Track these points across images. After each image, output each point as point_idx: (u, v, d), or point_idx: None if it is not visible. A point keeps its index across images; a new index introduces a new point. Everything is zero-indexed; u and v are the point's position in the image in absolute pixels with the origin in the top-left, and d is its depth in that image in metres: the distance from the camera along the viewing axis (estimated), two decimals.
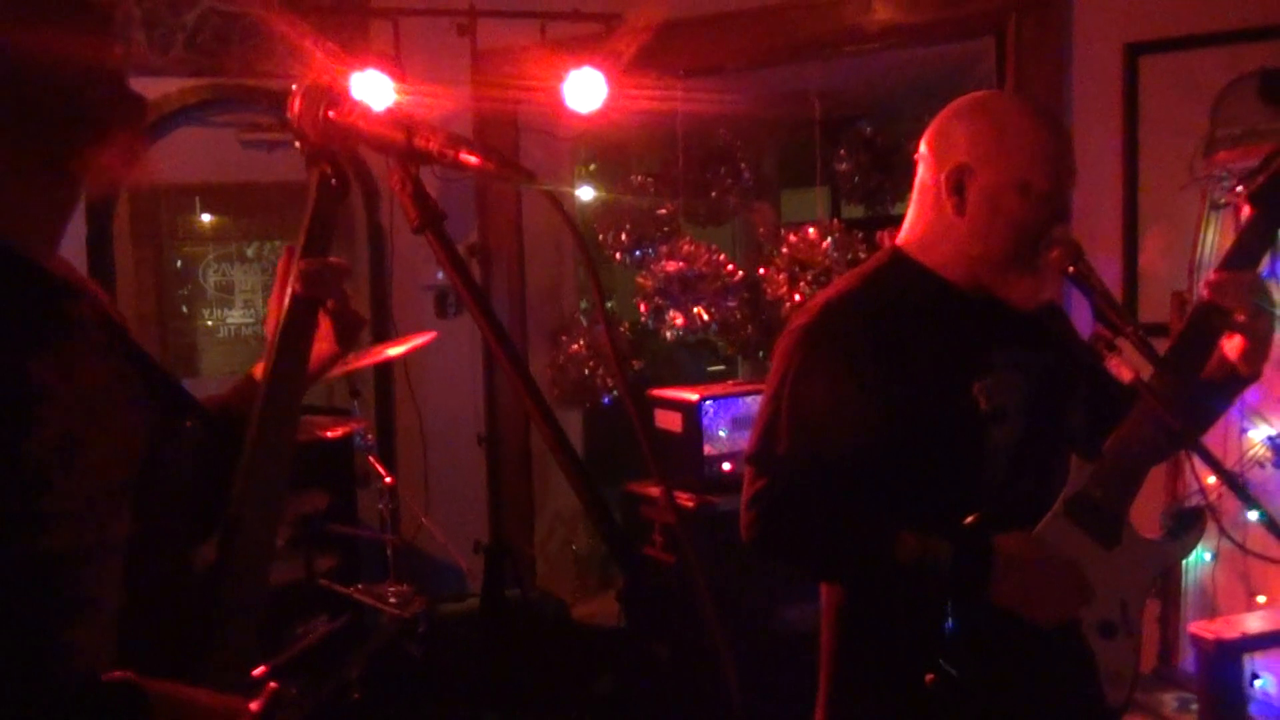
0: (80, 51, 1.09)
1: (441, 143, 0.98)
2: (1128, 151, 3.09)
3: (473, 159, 0.97)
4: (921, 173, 1.74)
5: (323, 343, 1.30)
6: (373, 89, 3.46)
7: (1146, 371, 1.61)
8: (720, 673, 0.98)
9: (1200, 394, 1.63)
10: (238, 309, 4.53)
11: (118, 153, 1.13)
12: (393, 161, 1.01)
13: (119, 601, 1.06)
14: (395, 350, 3.31)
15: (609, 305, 5.62)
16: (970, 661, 1.53)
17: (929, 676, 1.53)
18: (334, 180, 1.19)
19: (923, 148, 1.74)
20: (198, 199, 4.35)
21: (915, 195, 1.76)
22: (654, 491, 3.42)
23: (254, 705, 1.08)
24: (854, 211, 4.61)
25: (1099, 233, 3.07)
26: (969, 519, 1.58)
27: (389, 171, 1.03)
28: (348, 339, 1.31)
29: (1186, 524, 1.74)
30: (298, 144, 1.16)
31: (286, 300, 1.22)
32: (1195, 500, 2.82)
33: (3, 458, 0.95)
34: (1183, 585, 2.98)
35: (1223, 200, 2.88)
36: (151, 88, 3.86)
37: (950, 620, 1.55)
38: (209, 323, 4.52)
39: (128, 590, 1.07)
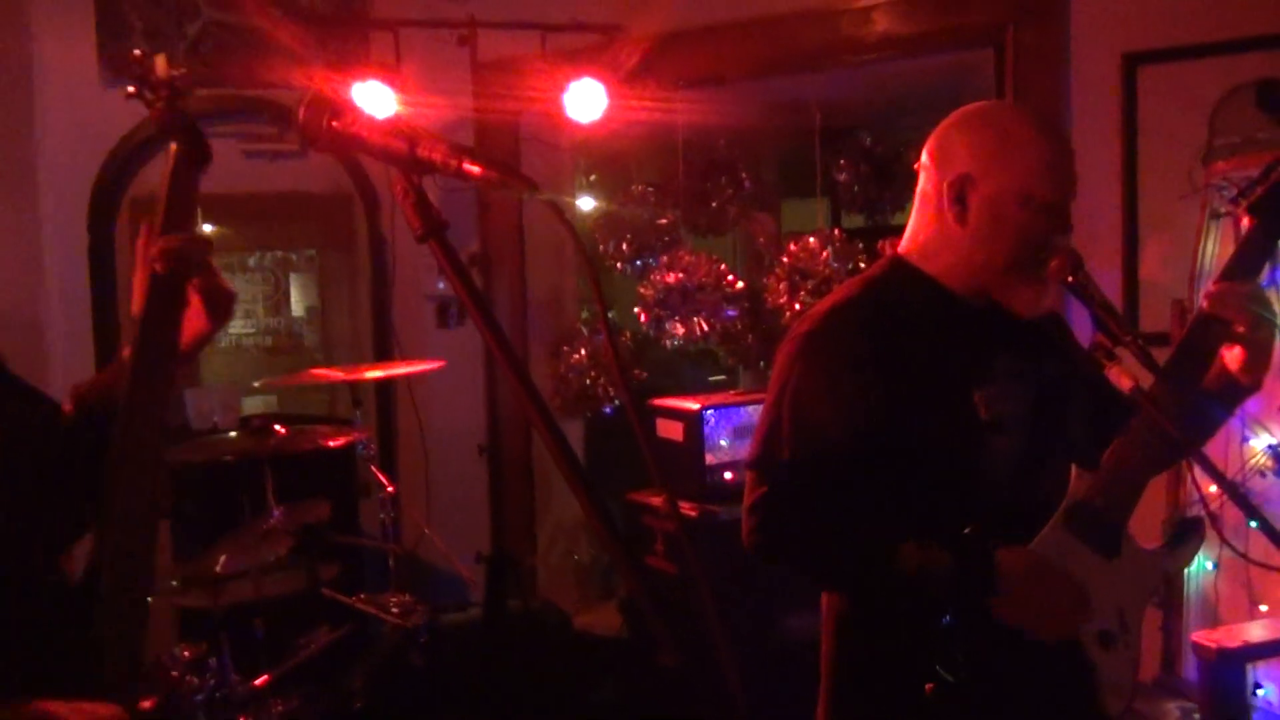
0: None
1: (444, 153, 0.98)
2: (1127, 161, 3.10)
3: (475, 169, 0.97)
4: (923, 182, 1.74)
5: (194, 320, 1.27)
6: (374, 100, 3.47)
7: (1146, 381, 1.61)
8: (724, 681, 0.98)
9: (1200, 404, 1.63)
10: (239, 319, 4.53)
11: None
12: (396, 171, 1.02)
13: None
14: (400, 370, 3.31)
15: (610, 315, 5.63)
16: (969, 671, 1.53)
17: (928, 686, 1.53)
18: (192, 150, 1.16)
19: (924, 157, 1.74)
20: (199, 209, 4.36)
21: (916, 204, 1.76)
22: (656, 500, 3.41)
23: (148, 703, 1.07)
24: (854, 221, 4.62)
25: (1099, 242, 3.07)
26: (969, 528, 1.58)
27: (392, 181, 1.03)
28: (219, 314, 1.29)
29: (1185, 534, 1.74)
30: (148, 111, 1.13)
31: (149, 281, 1.19)
32: (1196, 510, 2.82)
33: None
34: (1185, 594, 2.97)
35: (1222, 209, 2.89)
36: None
37: (948, 616, 1.55)
38: None
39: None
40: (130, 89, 1.16)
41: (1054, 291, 1.69)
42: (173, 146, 1.20)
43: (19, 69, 3.73)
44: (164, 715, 1.11)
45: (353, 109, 1.05)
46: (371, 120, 1.04)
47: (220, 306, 1.28)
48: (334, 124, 1.04)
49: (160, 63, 1.27)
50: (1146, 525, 1.75)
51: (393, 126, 1.03)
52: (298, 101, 1.05)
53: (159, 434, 1.18)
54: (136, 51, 1.21)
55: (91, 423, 1.24)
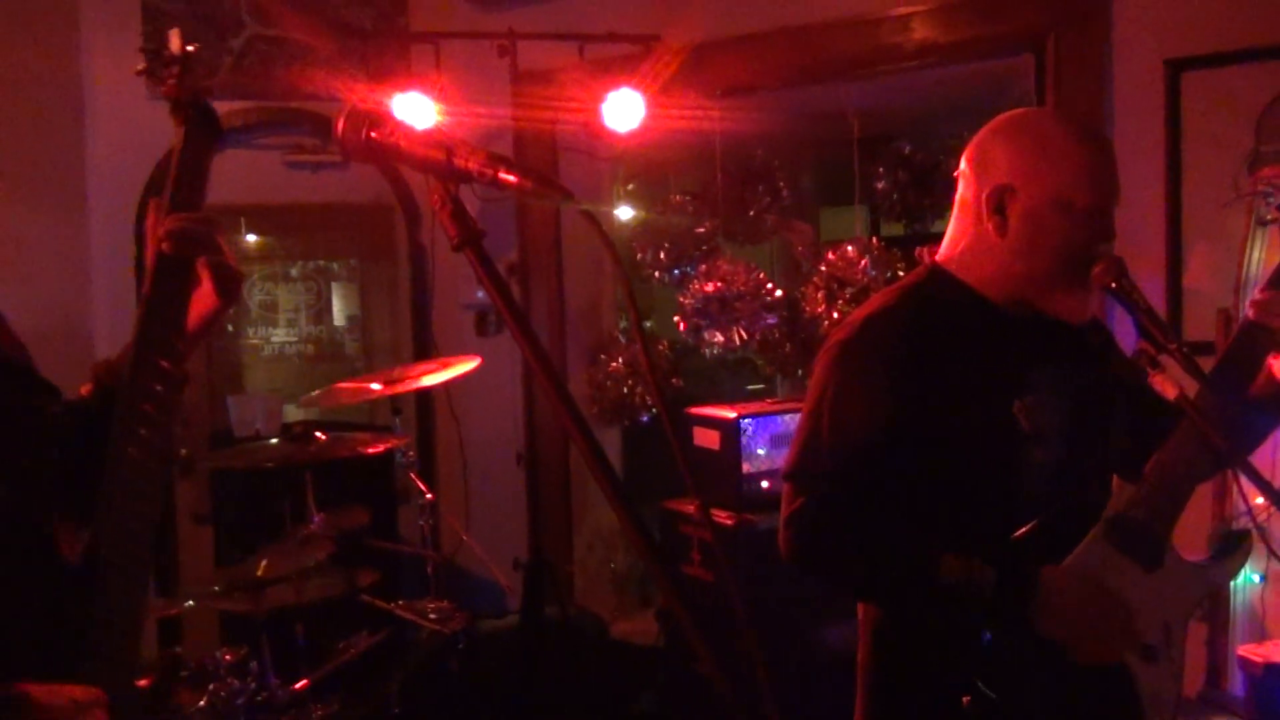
0: None
1: (481, 162, 1.00)
2: (1170, 168, 3.06)
3: (511, 178, 0.99)
4: (961, 190, 1.72)
5: (204, 299, 1.27)
6: (414, 111, 3.51)
7: (1191, 389, 1.59)
8: (757, 691, 0.98)
9: (1247, 413, 1.61)
10: (281, 328, 4.59)
11: None
12: (433, 180, 1.03)
13: None
14: (437, 378, 3.33)
15: (648, 324, 5.64)
16: (1008, 684, 1.51)
17: (965, 699, 1.51)
18: (201, 127, 1.16)
19: (963, 165, 1.73)
20: (243, 219, 4.42)
21: (955, 212, 1.75)
22: (692, 509, 3.41)
23: (144, 681, 1.08)
24: (893, 230, 4.59)
25: (1143, 250, 3.03)
26: (1010, 539, 1.56)
27: (429, 190, 1.05)
28: (228, 294, 1.28)
29: (1231, 547, 1.72)
30: (160, 87, 1.12)
31: (155, 260, 1.18)
32: (1243, 522, 2.77)
33: None
34: (1231, 608, 2.92)
35: (1268, 216, 2.84)
36: None
37: (987, 634, 1.53)
38: (253, 341, 4.59)
39: None
40: (140, 65, 1.17)
41: (1097, 298, 1.67)
42: (180, 122, 1.18)
43: (70, 83, 3.82)
44: (159, 694, 1.09)
45: (391, 120, 1.06)
46: (409, 131, 1.06)
47: (228, 286, 1.28)
48: (373, 135, 1.06)
49: (174, 38, 1.27)
50: (1193, 537, 1.73)
51: (430, 137, 1.04)
52: (337, 113, 1.07)
53: (167, 413, 1.17)
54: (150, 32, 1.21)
55: (106, 402, 1.24)
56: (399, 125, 1.06)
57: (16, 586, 1.12)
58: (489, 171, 0.99)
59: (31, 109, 3.75)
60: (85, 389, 1.34)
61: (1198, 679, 2.87)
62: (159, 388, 1.18)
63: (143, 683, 1.09)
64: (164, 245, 1.19)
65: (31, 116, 3.75)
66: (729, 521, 3.21)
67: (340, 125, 1.07)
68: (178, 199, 1.21)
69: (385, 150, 1.05)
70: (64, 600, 1.12)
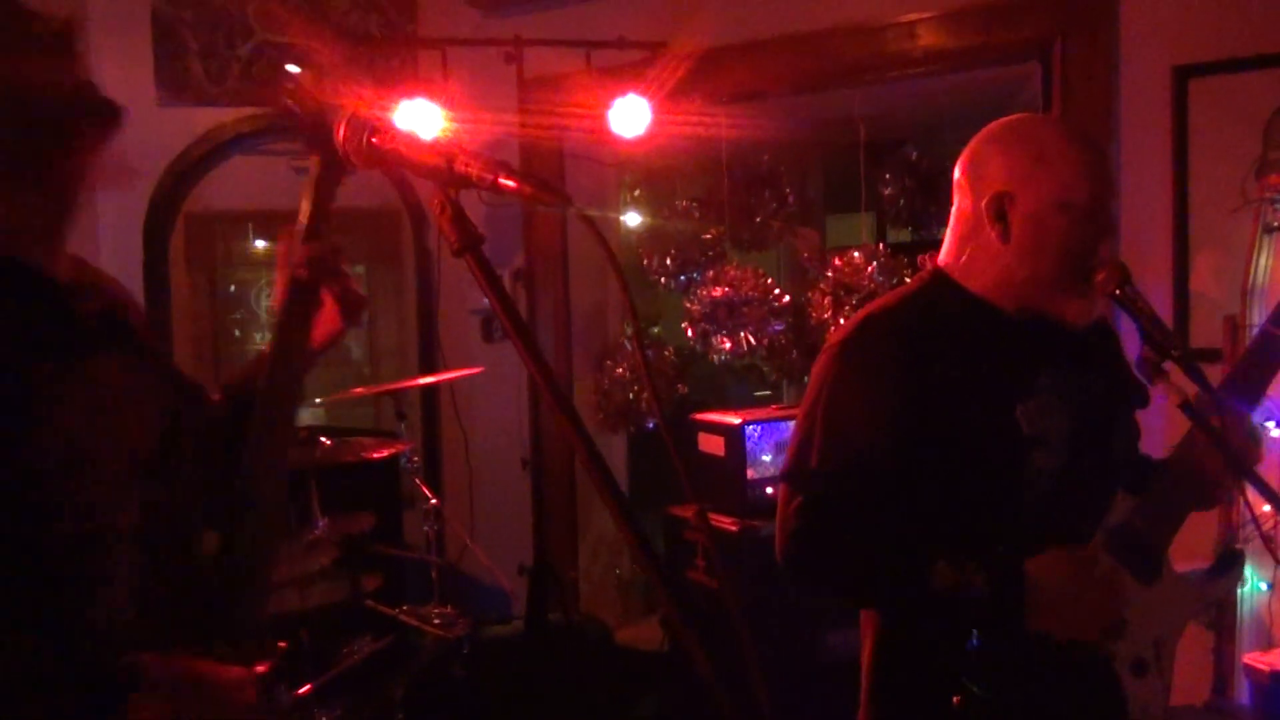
0: (30, 71, 1.14)
1: (480, 167, 1.00)
2: (1178, 175, 3.05)
3: (510, 183, 0.99)
4: (958, 199, 1.72)
5: (328, 321, 1.36)
6: (422, 117, 3.52)
7: (1195, 396, 1.58)
8: (754, 697, 0.98)
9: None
10: None
11: (90, 155, 1.18)
12: (433, 186, 1.04)
13: (134, 582, 1.12)
14: (432, 379, 3.34)
15: (655, 330, 5.64)
16: (999, 686, 1.51)
17: (956, 699, 1.51)
18: (335, 166, 1.25)
19: (957, 174, 1.73)
20: (251, 225, 4.45)
21: (953, 220, 1.74)
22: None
23: (262, 668, 1.14)
24: (901, 236, 4.59)
25: (1149, 257, 3.03)
26: (1002, 549, 1.55)
27: (429, 195, 1.05)
28: (352, 316, 1.38)
29: (1226, 564, 1.71)
30: (296, 124, 1.23)
31: (289, 284, 1.27)
32: (1249, 531, 2.76)
33: (14, 453, 1.02)
34: (1238, 616, 2.91)
35: (1276, 223, 2.83)
36: (207, 116, 3.97)
37: (975, 639, 1.53)
38: (261, 346, 4.61)
39: (143, 572, 1.13)
40: (287, 103, 1.28)
41: (1101, 304, 1.67)
42: (315, 158, 1.29)
43: None
44: (274, 680, 1.18)
45: (391, 126, 1.07)
46: (409, 137, 1.06)
47: (353, 309, 1.38)
48: (373, 141, 1.07)
49: (307, 79, 1.35)
50: (1198, 546, 1.72)
51: (430, 143, 1.05)
52: (338, 120, 1.08)
53: (292, 423, 1.28)
54: (289, 67, 1.33)
55: (236, 412, 1.33)
56: (399, 131, 1.07)
57: (164, 581, 1.18)
58: (488, 176, 1.00)
59: None
60: (216, 397, 1.43)
61: (1204, 688, 2.86)
62: (289, 399, 1.28)
63: (261, 668, 1.16)
64: (300, 270, 1.28)
65: None
66: (733, 527, 3.21)
67: (341, 132, 1.08)
68: (312, 229, 1.31)
69: (386, 156, 1.06)
70: (197, 595, 1.20)
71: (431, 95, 3.59)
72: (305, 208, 1.33)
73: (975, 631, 1.53)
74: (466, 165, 1.00)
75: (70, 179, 1.18)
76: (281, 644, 1.21)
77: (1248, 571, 2.77)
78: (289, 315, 1.29)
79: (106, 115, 1.21)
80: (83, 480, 1.08)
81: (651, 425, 4.19)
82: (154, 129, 3.80)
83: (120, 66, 3.88)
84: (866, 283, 3.74)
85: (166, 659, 1.07)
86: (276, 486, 1.24)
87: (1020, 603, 1.50)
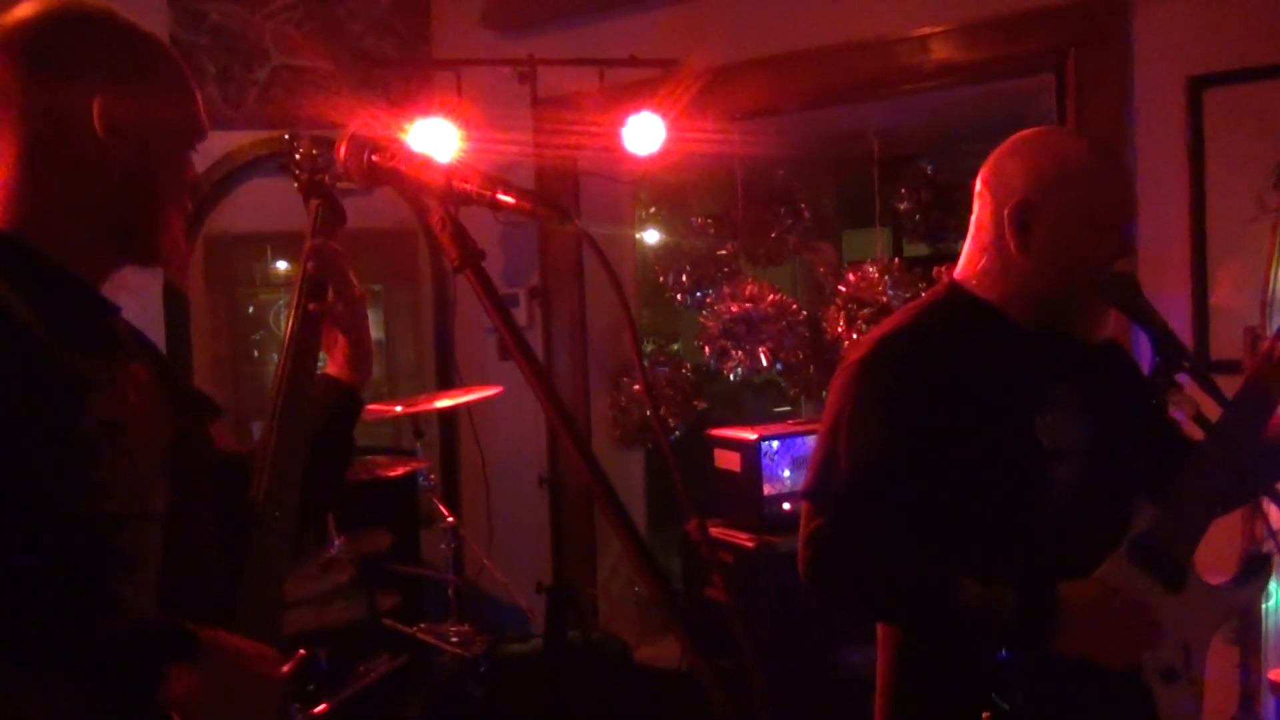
0: (157, 98, 1.21)
1: (479, 183, 1.01)
2: (1194, 186, 3.03)
3: (509, 198, 1.00)
4: (978, 210, 1.73)
5: (343, 348, 1.46)
6: (437, 138, 3.54)
7: (1209, 408, 1.57)
8: (757, 706, 0.97)
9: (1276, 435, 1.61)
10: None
11: (176, 228, 1.26)
12: (432, 202, 1.05)
13: (159, 566, 1.16)
14: (450, 401, 3.35)
15: (674, 347, 5.64)
16: (1026, 702, 1.50)
17: (985, 715, 1.49)
18: (327, 212, 1.36)
19: (979, 185, 1.73)
20: (269, 247, 4.48)
21: (972, 232, 1.75)
22: (715, 531, 3.40)
23: (285, 668, 1.18)
24: (917, 250, 4.58)
25: (1167, 268, 3.01)
26: (1029, 564, 1.54)
27: (429, 212, 1.06)
28: (360, 359, 1.47)
29: (1253, 570, 1.69)
30: (295, 184, 1.35)
31: (300, 280, 1.36)
32: (1271, 543, 2.72)
33: (62, 433, 1.08)
34: (1263, 631, 2.87)
35: None
36: (225, 140, 4.01)
37: (1004, 652, 1.52)
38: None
39: (166, 559, 1.17)
40: (282, 165, 1.41)
41: (1113, 316, 1.66)
42: (313, 204, 1.42)
43: None
44: (293, 682, 1.22)
45: (392, 144, 1.08)
46: (410, 154, 1.08)
47: (357, 332, 1.49)
48: (374, 159, 1.08)
49: (304, 143, 1.48)
50: (1221, 559, 1.70)
51: (429, 160, 1.06)
52: (339, 139, 1.09)
53: (303, 438, 1.32)
54: (285, 136, 1.47)
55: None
56: (400, 149, 1.08)
57: (190, 567, 1.23)
58: (486, 193, 1.01)
59: None
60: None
61: (1230, 704, 2.81)
62: (301, 414, 1.33)
63: (285, 668, 1.19)
64: (308, 265, 1.39)
65: None
66: (750, 544, 3.20)
67: (342, 150, 1.09)
68: (317, 229, 1.43)
69: (386, 174, 1.07)
70: (221, 580, 1.25)
71: (446, 115, 3.62)
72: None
73: (1007, 647, 1.52)
74: (465, 182, 1.01)
75: (149, 241, 1.25)
76: (301, 651, 1.23)
77: (1272, 586, 2.73)
78: (302, 315, 1.35)
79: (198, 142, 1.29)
80: (126, 463, 1.13)
81: (670, 441, 4.18)
82: None
83: None
84: (880, 297, 3.73)
85: (206, 629, 1.10)
86: (288, 504, 1.27)
87: (1051, 626, 1.49)
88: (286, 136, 1.43)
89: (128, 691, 1.01)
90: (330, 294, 1.43)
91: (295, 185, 1.38)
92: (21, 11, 1.17)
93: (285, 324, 1.37)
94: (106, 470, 1.11)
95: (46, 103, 1.15)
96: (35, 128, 1.16)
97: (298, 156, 1.44)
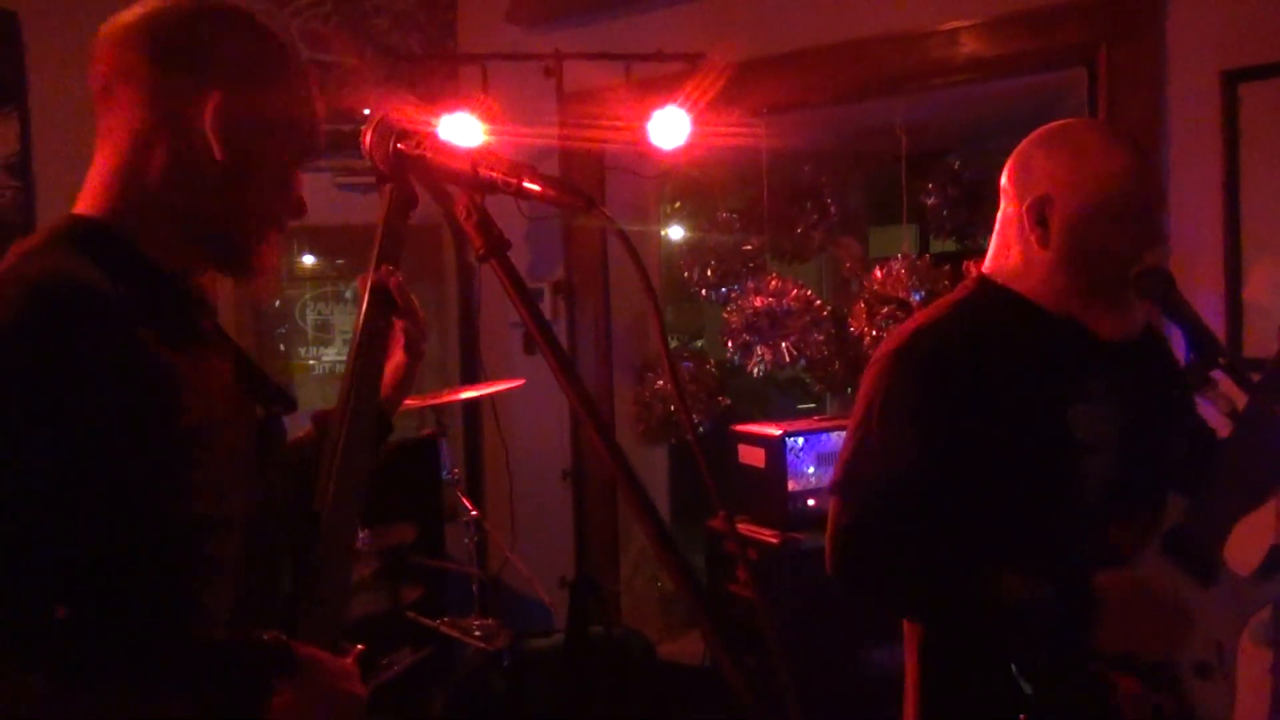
0: (288, 130, 1.21)
1: (505, 171, 1.00)
2: (1228, 181, 2.99)
3: (535, 186, 0.99)
4: (1004, 205, 1.73)
5: (397, 356, 1.40)
6: (462, 132, 3.54)
7: (1243, 403, 1.55)
8: (784, 703, 0.96)
9: None
10: (334, 347, 4.65)
11: (270, 245, 1.24)
12: (458, 191, 1.04)
13: (235, 570, 1.15)
14: (474, 393, 3.36)
15: (699, 343, 5.63)
16: (1061, 702, 1.48)
17: (1022, 717, 1.48)
18: (403, 196, 1.25)
19: (1003, 180, 1.73)
20: (295, 241, 4.49)
21: (998, 227, 1.75)
22: (740, 527, 3.38)
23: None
24: (945, 246, 4.54)
25: (1201, 265, 2.97)
26: (1063, 557, 1.53)
27: (455, 200, 1.05)
28: (415, 346, 1.42)
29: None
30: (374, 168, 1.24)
31: (369, 291, 1.29)
32: None
33: (163, 434, 1.07)
34: None
35: None
36: None
37: (1042, 646, 1.50)
38: (307, 361, 4.65)
39: (243, 563, 1.17)
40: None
41: (1143, 312, 1.64)
42: (386, 191, 1.30)
43: None
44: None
45: (418, 132, 1.07)
46: (436, 142, 1.07)
47: (416, 339, 1.43)
48: (400, 147, 1.07)
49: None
50: (1254, 552, 1.68)
51: (455, 148, 1.05)
52: (365, 127, 1.08)
53: (370, 441, 1.29)
54: (366, 111, 1.36)
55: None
56: (426, 137, 1.07)
57: (261, 571, 1.22)
58: (513, 181, 1.00)
59: (90, 134, 3.83)
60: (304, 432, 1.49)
61: (1262, 706, 2.78)
62: (373, 405, 1.30)
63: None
64: (376, 279, 1.31)
65: (90, 142, 3.84)
66: (774, 540, 3.18)
67: (368, 138, 1.09)
68: (382, 257, 1.34)
69: (411, 162, 1.06)
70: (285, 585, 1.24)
71: (472, 111, 3.62)
72: (377, 237, 1.36)
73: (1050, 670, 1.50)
74: (491, 170, 1.01)
75: (250, 221, 1.22)
76: (360, 646, 1.22)
77: None
78: (370, 326, 1.29)
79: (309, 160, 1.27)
80: (214, 464, 1.12)
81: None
82: None
83: None
84: (902, 293, 3.69)
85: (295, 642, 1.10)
86: (354, 507, 1.25)
87: (1090, 620, 1.48)
88: (366, 111, 1.37)
89: (236, 705, 1.00)
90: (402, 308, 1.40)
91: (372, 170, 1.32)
92: (159, 1, 1.17)
93: (356, 322, 1.32)
94: (199, 472, 1.10)
95: (164, 91, 1.14)
96: (147, 116, 1.14)
97: (366, 144, 1.40)
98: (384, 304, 1.30)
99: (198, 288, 1.24)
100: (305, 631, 1.15)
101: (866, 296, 3.74)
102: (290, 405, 1.35)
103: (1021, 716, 1.48)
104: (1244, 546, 1.66)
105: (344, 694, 1.10)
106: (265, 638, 1.06)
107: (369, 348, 1.27)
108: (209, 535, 1.11)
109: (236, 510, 1.16)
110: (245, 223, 1.20)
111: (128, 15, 1.17)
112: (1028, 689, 1.47)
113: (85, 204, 1.17)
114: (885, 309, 3.62)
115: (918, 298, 3.57)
